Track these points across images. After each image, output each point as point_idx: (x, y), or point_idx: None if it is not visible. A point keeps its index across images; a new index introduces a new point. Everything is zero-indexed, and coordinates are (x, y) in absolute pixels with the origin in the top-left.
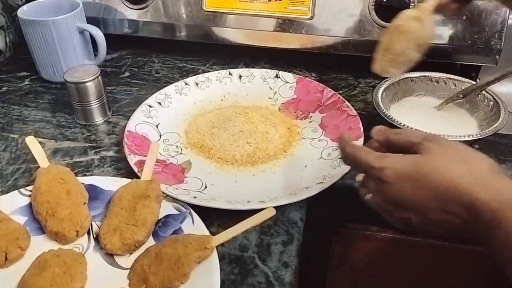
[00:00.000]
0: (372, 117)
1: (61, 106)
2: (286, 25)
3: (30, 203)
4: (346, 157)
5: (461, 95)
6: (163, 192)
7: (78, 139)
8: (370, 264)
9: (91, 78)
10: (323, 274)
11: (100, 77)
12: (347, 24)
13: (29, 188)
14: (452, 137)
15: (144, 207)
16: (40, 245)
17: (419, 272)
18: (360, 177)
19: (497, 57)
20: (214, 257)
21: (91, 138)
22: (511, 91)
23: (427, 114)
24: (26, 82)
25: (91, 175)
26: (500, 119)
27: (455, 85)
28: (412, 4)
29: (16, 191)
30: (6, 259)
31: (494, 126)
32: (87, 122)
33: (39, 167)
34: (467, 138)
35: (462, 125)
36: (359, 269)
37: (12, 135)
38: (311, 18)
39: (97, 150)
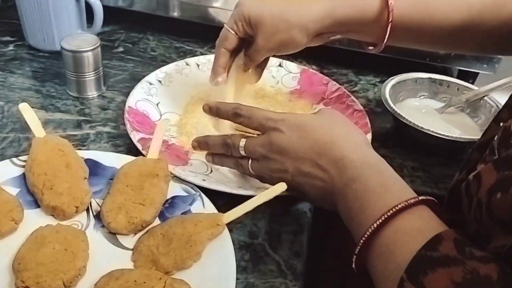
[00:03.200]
0: (374, 114)
1: (50, 76)
2: None
3: (23, 174)
4: (239, 114)
5: (465, 100)
6: (170, 173)
7: (70, 112)
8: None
9: (90, 48)
10: (317, 267)
11: (99, 48)
12: None
13: (22, 158)
14: (452, 138)
15: (152, 186)
16: (34, 219)
17: None
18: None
19: (496, 65)
20: (226, 235)
21: (85, 111)
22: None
23: (429, 116)
24: (11, 48)
25: (87, 149)
26: None
27: (458, 89)
28: None
29: (8, 160)
30: None
31: None
32: (80, 94)
33: (28, 136)
34: (467, 140)
35: (464, 129)
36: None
37: None
38: None
39: (92, 124)
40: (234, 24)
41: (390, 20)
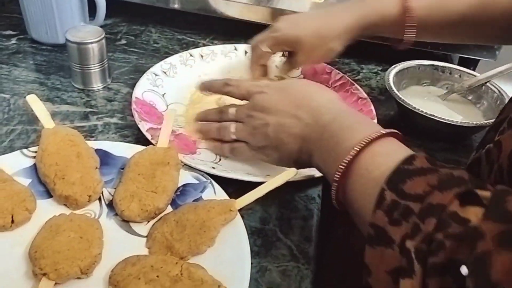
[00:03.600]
0: (378, 102)
1: (55, 69)
2: (295, 4)
3: (34, 165)
4: (229, 84)
5: (467, 86)
6: (180, 161)
7: (77, 104)
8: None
9: (95, 40)
10: (321, 254)
11: (104, 40)
12: None
13: (32, 149)
14: (457, 123)
15: (164, 174)
16: (46, 209)
17: None
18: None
19: (497, 52)
20: (239, 220)
21: (91, 103)
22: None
23: (433, 103)
24: (13, 41)
25: (96, 140)
26: None
27: (460, 76)
28: None
29: (19, 151)
30: (12, 221)
31: None
32: (86, 86)
33: (36, 128)
34: (472, 125)
35: (468, 114)
36: (357, 251)
37: (2, 95)
38: None
39: (100, 116)
40: (272, 46)
41: (407, 21)
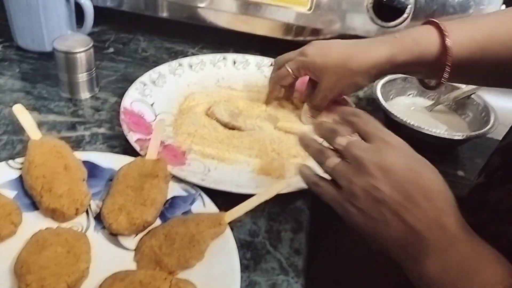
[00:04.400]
0: None
1: (41, 77)
2: (282, 14)
3: (20, 176)
4: (359, 115)
5: (453, 98)
6: (169, 173)
7: (64, 113)
8: (357, 258)
9: (83, 49)
10: (309, 266)
11: (92, 49)
12: (345, 19)
13: (18, 160)
14: (445, 135)
15: (152, 187)
16: (32, 222)
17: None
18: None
19: None
20: (229, 233)
21: (78, 113)
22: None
23: (419, 114)
24: None
25: (83, 151)
26: (492, 121)
27: (446, 87)
28: (409, 6)
29: (4, 162)
30: None
31: (487, 128)
32: (73, 96)
33: (22, 139)
34: (459, 137)
35: (453, 126)
36: (346, 262)
37: None
38: (310, 9)
39: (87, 126)
40: (297, 71)
41: (448, 62)
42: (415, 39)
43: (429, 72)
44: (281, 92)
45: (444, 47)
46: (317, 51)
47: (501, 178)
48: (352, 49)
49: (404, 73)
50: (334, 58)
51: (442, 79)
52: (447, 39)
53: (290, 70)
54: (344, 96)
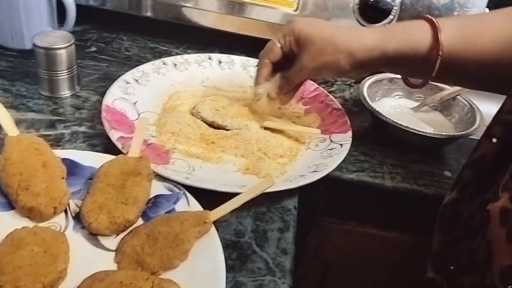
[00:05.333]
0: (352, 114)
1: (20, 75)
2: (268, 14)
3: None
4: None
5: (439, 99)
6: (153, 171)
7: (43, 111)
8: (343, 259)
9: (64, 45)
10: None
11: (73, 46)
12: (331, 19)
13: None
14: (431, 134)
15: (135, 185)
16: (8, 221)
17: (393, 268)
18: None
19: None
20: (214, 232)
21: (58, 111)
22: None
23: (405, 115)
24: None
25: (62, 149)
26: (477, 122)
27: (431, 89)
28: (394, 8)
29: None
30: None
31: (473, 128)
32: (53, 94)
33: None
34: (445, 137)
35: (439, 127)
36: (332, 263)
37: None
38: (296, 9)
39: (67, 124)
40: (282, 38)
41: (439, 56)
42: (406, 29)
43: (418, 67)
44: (269, 69)
45: (436, 41)
46: (306, 22)
47: (473, 192)
48: (342, 29)
49: (391, 67)
50: (322, 31)
51: (432, 75)
52: (439, 33)
53: (276, 39)
54: (330, 96)
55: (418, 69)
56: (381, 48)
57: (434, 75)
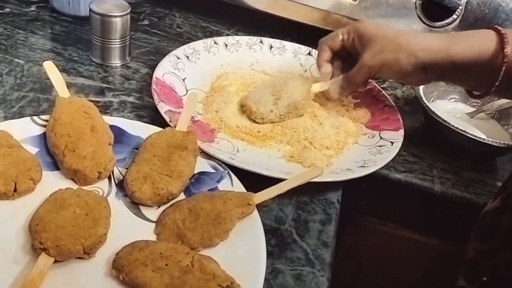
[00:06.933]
0: (403, 113)
1: (73, 40)
2: (325, 1)
3: (44, 134)
4: None
5: (497, 106)
6: (199, 147)
7: (93, 78)
8: (377, 260)
9: (120, 14)
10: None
11: (129, 15)
12: (391, 14)
13: (44, 117)
14: (487, 141)
15: (180, 159)
16: (52, 181)
17: (427, 273)
18: None
19: None
20: (256, 215)
21: (108, 79)
22: None
23: (458, 120)
24: (33, 8)
25: (110, 116)
26: None
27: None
28: (460, 7)
29: (29, 118)
30: (15, 189)
31: None
32: (104, 62)
33: (48, 98)
34: (502, 145)
35: (495, 135)
36: (365, 263)
37: (16, 60)
38: (355, 0)
39: (116, 93)
40: (346, 33)
41: (504, 64)
42: (472, 36)
43: (480, 75)
44: (329, 54)
45: (501, 48)
46: (372, 23)
47: None
48: (407, 32)
49: (453, 75)
50: (386, 31)
51: (494, 85)
52: (506, 45)
53: (339, 31)
54: (383, 92)
55: (480, 78)
56: (445, 51)
57: (497, 84)
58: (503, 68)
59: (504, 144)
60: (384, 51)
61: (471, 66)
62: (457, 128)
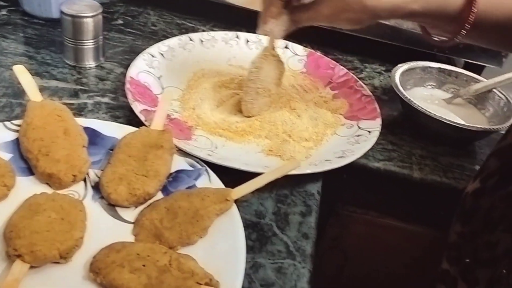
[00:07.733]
0: (381, 102)
1: (46, 43)
2: None
3: (17, 139)
4: None
5: (473, 91)
6: (175, 145)
7: (67, 80)
8: (362, 249)
9: (91, 14)
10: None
11: (100, 16)
12: None
13: (16, 122)
14: (464, 126)
15: (156, 158)
16: (26, 186)
17: (411, 261)
18: None
19: (504, 60)
20: (235, 211)
21: (82, 81)
22: None
23: (436, 106)
24: (3, 12)
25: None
26: None
27: (466, 80)
28: None
29: (1, 123)
30: None
31: (509, 122)
32: (78, 63)
33: (21, 102)
34: (478, 129)
35: (472, 120)
36: (350, 253)
37: None
38: None
39: (90, 94)
40: None
41: (470, 17)
42: None
43: (445, 27)
44: (279, 8)
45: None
46: None
47: (495, 184)
48: None
49: (415, 16)
50: None
51: (462, 31)
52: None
53: None
54: (359, 82)
55: (445, 29)
56: (408, 8)
57: (463, 35)
58: (470, 19)
59: (482, 128)
60: (347, 10)
61: (434, 18)
62: (434, 114)
